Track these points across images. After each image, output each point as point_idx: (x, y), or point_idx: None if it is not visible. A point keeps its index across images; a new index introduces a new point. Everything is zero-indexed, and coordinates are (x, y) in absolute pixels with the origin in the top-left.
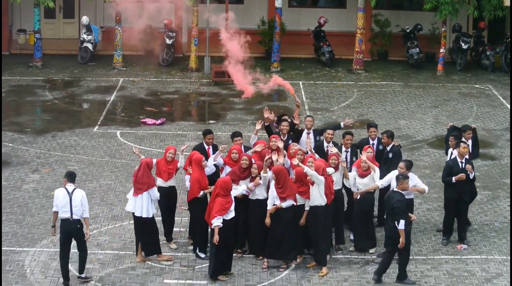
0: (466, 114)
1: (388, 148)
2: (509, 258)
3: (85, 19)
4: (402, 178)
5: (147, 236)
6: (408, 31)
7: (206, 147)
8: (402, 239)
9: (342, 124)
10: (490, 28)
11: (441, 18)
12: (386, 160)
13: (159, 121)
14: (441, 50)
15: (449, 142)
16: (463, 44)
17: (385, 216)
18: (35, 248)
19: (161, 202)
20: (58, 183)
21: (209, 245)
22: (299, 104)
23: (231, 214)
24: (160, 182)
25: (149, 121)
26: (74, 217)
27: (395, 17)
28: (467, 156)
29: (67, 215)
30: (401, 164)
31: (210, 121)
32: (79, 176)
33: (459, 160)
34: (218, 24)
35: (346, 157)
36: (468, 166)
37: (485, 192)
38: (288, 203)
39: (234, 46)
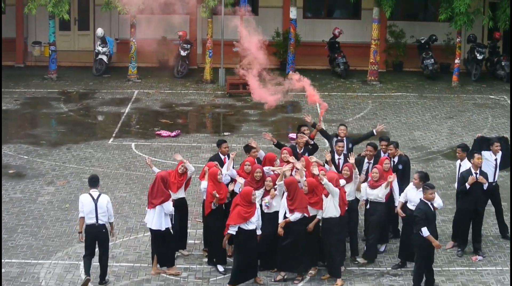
0: (481, 125)
1: (396, 159)
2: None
3: (100, 31)
4: (427, 188)
5: (162, 248)
6: (423, 41)
7: (222, 157)
8: (435, 243)
9: (374, 131)
10: (505, 38)
11: (456, 29)
12: (396, 172)
13: (173, 133)
14: (456, 61)
15: (457, 154)
16: (478, 55)
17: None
18: (50, 260)
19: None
20: (73, 196)
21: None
22: (319, 128)
23: (251, 226)
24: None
25: (164, 133)
26: (100, 222)
27: (410, 28)
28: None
29: (93, 221)
30: (415, 176)
31: (225, 133)
32: None
33: (473, 170)
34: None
35: (368, 169)
36: (481, 177)
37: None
38: (296, 216)
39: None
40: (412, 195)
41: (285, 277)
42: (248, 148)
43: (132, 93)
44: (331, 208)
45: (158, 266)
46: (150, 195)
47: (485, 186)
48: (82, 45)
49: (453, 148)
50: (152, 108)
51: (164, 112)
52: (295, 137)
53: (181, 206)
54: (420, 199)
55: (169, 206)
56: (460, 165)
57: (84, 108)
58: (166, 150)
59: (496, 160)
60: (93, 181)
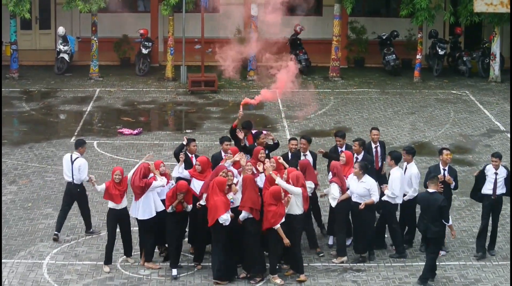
0: (443, 120)
1: (360, 157)
2: (488, 263)
3: (61, 30)
4: (433, 179)
5: (151, 241)
6: (384, 37)
7: (223, 155)
8: (453, 232)
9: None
10: (467, 33)
11: (417, 25)
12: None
13: (136, 131)
14: (418, 57)
15: (403, 157)
16: (439, 50)
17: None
18: (13, 259)
19: (112, 225)
20: (36, 194)
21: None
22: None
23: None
24: (112, 205)
25: (126, 131)
26: (75, 182)
27: (371, 24)
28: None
29: (69, 179)
30: (356, 165)
31: (187, 131)
32: (56, 187)
33: (441, 166)
34: None
35: (376, 152)
36: (448, 177)
37: (462, 198)
38: (243, 215)
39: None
40: (353, 186)
41: (248, 275)
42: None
43: (94, 92)
44: (293, 206)
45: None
46: (133, 186)
47: (452, 186)
48: (43, 44)
49: (415, 143)
50: (114, 106)
51: (126, 110)
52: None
53: (123, 215)
54: (430, 191)
55: (156, 185)
56: (406, 168)
57: (46, 107)
58: (128, 148)
59: (496, 174)
60: (76, 143)
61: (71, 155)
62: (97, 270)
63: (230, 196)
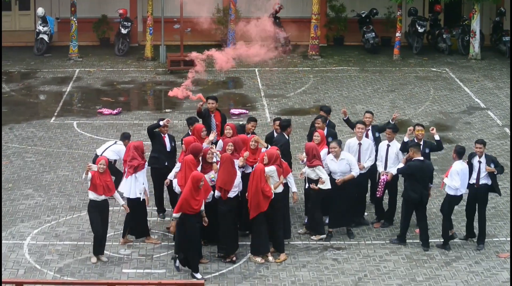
0: (423, 97)
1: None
2: (469, 241)
3: (40, 11)
4: (417, 146)
5: (139, 218)
6: (363, 15)
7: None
8: (430, 193)
9: (390, 120)
10: (446, 11)
11: (396, 2)
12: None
13: (115, 111)
14: (397, 34)
15: (386, 135)
16: (419, 28)
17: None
18: None
19: (95, 216)
20: (16, 175)
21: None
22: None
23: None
24: (93, 196)
25: (106, 111)
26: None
27: (350, 2)
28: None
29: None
30: (333, 144)
31: (167, 110)
32: (37, 167)
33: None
34: None
35: (367, 135)
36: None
37: (442, 175)
38: (217, 194)
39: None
40: (335, 167)
41: (219, 254)
42: (191, 121)
43: (74, 72)
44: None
45: (128, 236)
46: (126, 162)
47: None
48: (23, 25)
49: (395, 121)
50: (93, 87)
51: (106, 90)
52: (236, 113)
53: (102, 207)
54: (417, 159)
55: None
56: (388, 146)
57: (26, 87)
58: (108, 128)
59: (479, 162)
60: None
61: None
62: (77, 250)
63: (211, 174)
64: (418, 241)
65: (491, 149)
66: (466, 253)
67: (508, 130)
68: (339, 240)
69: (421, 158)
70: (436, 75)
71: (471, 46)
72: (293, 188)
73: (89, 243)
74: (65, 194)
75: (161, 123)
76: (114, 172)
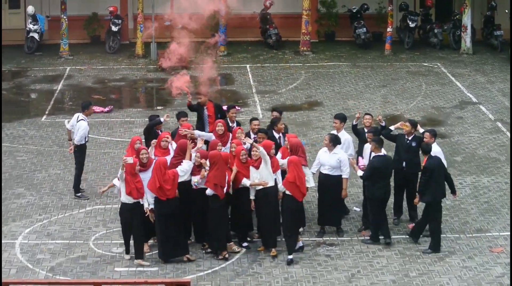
0: (415, 92)
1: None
2: (462, 236)
3: (30, 9)
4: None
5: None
6: (354, 11)
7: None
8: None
9: (393, 127)
10: (437, 5)
11: None
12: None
13: (107, 109)
14: (388, 29)
15: (404, 129)
16: (410, 23)
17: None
18: None
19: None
20: (7, 174)
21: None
22: None
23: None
24: (126, 199)
25: (97, 109)
26: (75, 142)
27: None
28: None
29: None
30: (326, 137)
31: (158, 107)
32: (28, 166)
33: (406, 137)
34: None
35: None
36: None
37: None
38: (208, 192)
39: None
40: (325, 159)
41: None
42: (179, 115)
43: (64, 70)
44: (268, 178)
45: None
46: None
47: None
48: (13, 23)
49: (387, 116)
50: (84, 84)
51: (97, 88)
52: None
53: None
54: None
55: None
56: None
57: (17, 86)
58: (99, 126)
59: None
60: (83, 106)
61: (78, 116)
62: (69, 249)
63: (195, 178)
64: (406, 236)
65: (483, 144)
66: (459, 248)
67: (500, 125)
68: (332, 236)
69: (382, 153)
70: (427, 70)
71: (462, 40)
72: (280, 185)
73: (81, 242)
74: (57, 193)
75: (162, 119)
76: None
